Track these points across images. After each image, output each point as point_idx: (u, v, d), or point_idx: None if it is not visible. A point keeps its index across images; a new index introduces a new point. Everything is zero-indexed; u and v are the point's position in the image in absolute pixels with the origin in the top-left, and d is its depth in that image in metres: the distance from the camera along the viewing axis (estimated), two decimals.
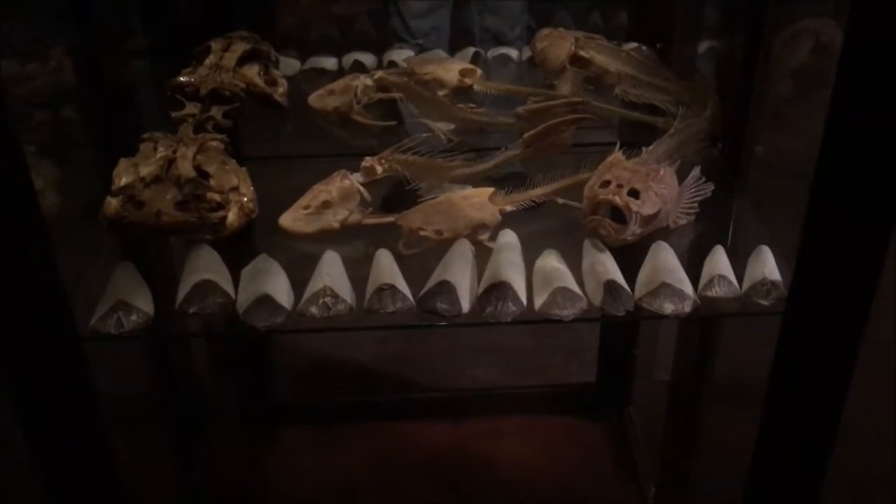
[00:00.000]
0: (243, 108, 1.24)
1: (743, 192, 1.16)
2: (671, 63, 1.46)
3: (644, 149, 1.09)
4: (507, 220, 1.07)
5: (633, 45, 1.42)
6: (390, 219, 1.06)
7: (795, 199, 0.91)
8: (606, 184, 1.00)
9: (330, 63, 1.43)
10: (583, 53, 1.31)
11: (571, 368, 1.82)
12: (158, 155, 1.04)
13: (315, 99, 1.28)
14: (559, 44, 1.32)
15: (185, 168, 1.02)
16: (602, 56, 1.30)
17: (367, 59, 1.43)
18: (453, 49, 1.52)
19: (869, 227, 0.88)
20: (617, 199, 0.98)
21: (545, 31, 1.35)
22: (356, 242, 1.07)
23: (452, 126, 1.24)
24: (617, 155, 1.05)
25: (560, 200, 1.10)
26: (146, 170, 1.01)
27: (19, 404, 0.91)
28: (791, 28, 1.31)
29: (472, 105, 1.26)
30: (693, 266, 1.00)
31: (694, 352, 1.43)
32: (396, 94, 1.27)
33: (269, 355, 1.84)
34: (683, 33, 1.42)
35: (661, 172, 1.02)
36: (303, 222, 1.06)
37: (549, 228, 1.09)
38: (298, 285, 0.97)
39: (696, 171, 1.07)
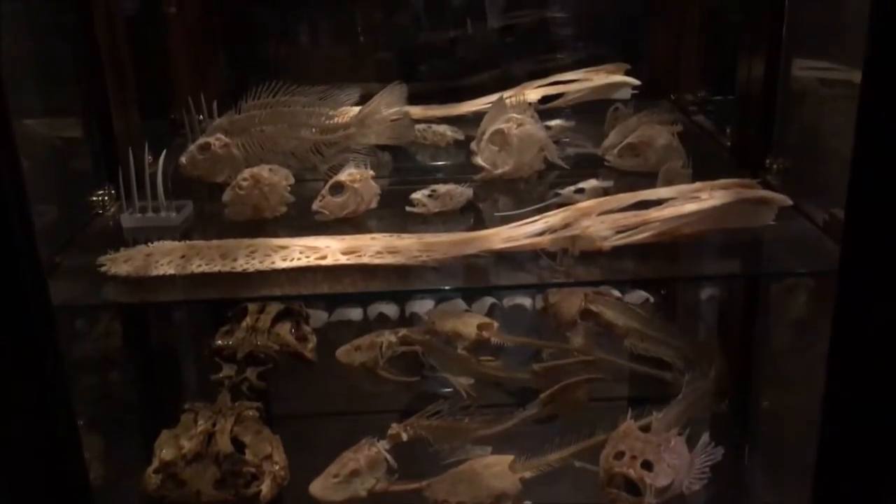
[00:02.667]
0: (276, 368, 1.32)
1: (753, 450, 1.21)
2: (675, 308, 1.56)
3: (655, 414, 1.15)
4: (528, 485, 1.12)
5: (640, 293, 1.52)
6: (416, 486, 1.11)
7: (805, 456, 0.96)
8: (620, 455, 1.05)
9: (356, 314, 1.53)
10: (592, 308, 1.39)
11: None
12: (199, 428, 1.11)
13: (343, 354, 1.36)
14: (570, 299, 1.41)
15: (224, 443, 1.08)
16: (611, 311, 1.38)
17: (391, 309, 1.53)
18: None
19: (879, 487, 0.93)
20: (631, 472, 1.03)
21: None
22: None
23: (472, 381, 1.32)
24: (629, 424, 1.11)
25: (577, 464, 1.15)
26: (187, 445, 1.08)
27: None
28: (785, 281, 1.40)
29: (490, 358, 1.34)
30: None
31: None
32: (419, 349, 1.35)
33: None
34: (686, 281, 1.52)
35: (672, 442, 1.08)
36: (332, 490, 1.10)
37: (568, 493, 1.13)
38: None
39: (705, 438, 1.13)
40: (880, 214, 0.86)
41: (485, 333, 1.40)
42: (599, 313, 1.40)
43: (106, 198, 1.15)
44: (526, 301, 1.56)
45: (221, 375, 1.28)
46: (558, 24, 1.56)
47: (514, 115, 1.16)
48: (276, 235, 1.03)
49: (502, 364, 1.34)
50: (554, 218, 0.95)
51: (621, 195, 0.96)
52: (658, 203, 0.95)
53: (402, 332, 1.37)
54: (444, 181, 1.16)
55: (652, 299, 1.51)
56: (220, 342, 1.32)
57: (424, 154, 1.33)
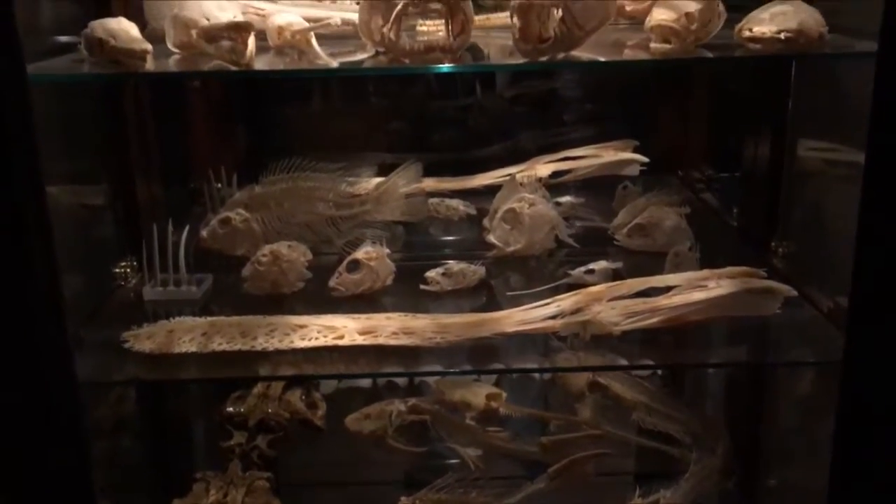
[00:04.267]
0: (287, 436, 1.33)
1: None
2: (682, 382, 1.57)
3: (662, 492, 1.16)
4: None
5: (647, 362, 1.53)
6: None
7: None
8: None
9: (365, 381, 1.54)
10: (601, 380, 1.41)
11: None
12: (210, 499, 1.12)
13: (352, 422, 1.37)
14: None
15: None
16: (619, 384, 1.40)
17: (400, 378, 1.54)
18: None
19: None
20: None
21: None
22: None
23: (480, 452, 1.32)
24: (637, 503, 1.12)
25: None
26: None
27: None
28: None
29: (497, 429, 1.35)
30: None
31: None
32: (427, 418, 1.36)
33: None
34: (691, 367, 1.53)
35: None
36: None
37: None
38: None
39: None
40: (883, 306, 0.89)
41: (493, 404, 1.41)
42: (607, 386, 1.41)
43: (128, 269, 1.18)
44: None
45: (232, 443, 1.29)
46: (568, 100, 1.61)
47: (525, 194, 1.20)
48: (294, 311, 1.06)
49: (510, 435, 1.35)
50: (565, 302, 0.98)
51: (631, 281, 0.99)
52: (666, 290, 0.97)
53: (412, 401, 1.38)
54: (457, 257, 1.19)
55: (660, 371, 1.52)
56: (231, 409, 1.33)
57: (437, 227, 1.36)
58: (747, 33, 0.88)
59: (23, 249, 0.83)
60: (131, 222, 1.23)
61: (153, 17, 1.06)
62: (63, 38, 1.08)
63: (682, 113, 1.56)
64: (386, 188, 1.21)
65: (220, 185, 1.37)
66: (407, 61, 0.88)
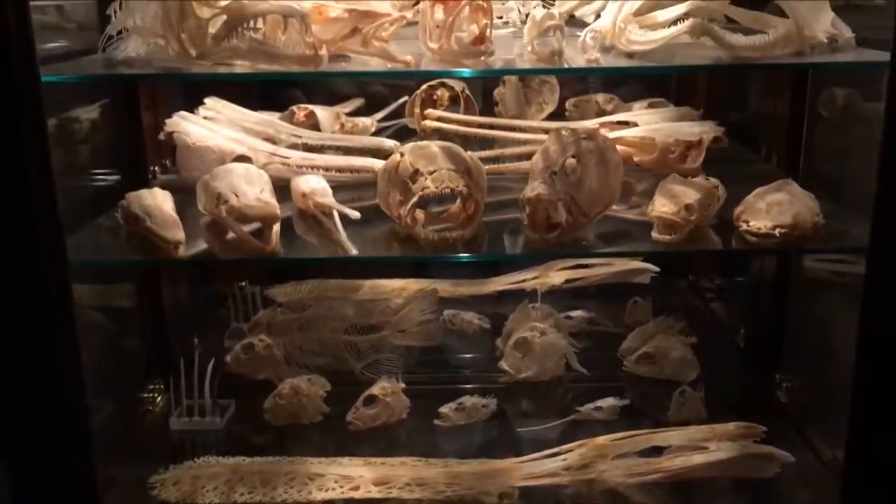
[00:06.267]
0: None
1: None
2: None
3: None
4: None
5: None
6: None
7: None
8: None
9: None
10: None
11: None
12: None
13: None
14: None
15: None
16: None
17: None
18: None
19: None
20: None
21: None
22: None
23: None
24: None
25: None
26: None
27: None
28: None
29: None
30: None
31: None
32: None
33: None
34: None
35: None
36: None
37: None
38: None
39: None
40: (879, 479, 0.92)
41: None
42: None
43: (156, 394, 1.24)
44: None
45: None
46: None
47: (536, 324, 1.25)
48: (312, 442, 1.12)
49: None
50: (572, 454, 1.02)
51: (635, 437, 1.03)
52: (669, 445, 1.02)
53: None
54: (470, 380, 1.24)
55: None
56: None
57: (452, 339, 1.40)
58: (744, 225, 0.92)
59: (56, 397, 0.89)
60: (158, 331, 1.28)
61: (184, 167, 1.12)
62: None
63: None
64: (402, 315, 1.27)
65: (243, 284, 1.43)
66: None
